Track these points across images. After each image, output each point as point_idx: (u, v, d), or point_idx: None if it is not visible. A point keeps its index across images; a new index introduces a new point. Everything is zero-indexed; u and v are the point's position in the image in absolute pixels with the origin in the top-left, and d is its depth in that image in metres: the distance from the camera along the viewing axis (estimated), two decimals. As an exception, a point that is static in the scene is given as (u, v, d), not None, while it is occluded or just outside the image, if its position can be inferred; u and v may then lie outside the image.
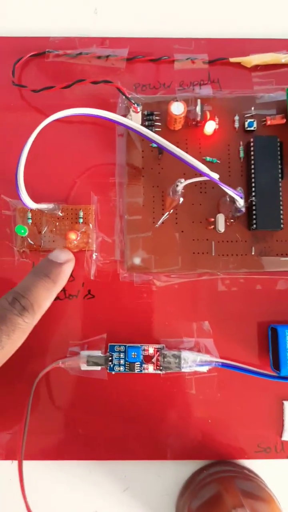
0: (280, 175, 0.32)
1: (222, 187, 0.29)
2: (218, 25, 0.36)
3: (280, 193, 0.32)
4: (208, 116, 0.33)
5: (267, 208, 0.32)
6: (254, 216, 0.32)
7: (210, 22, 0.36)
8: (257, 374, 0.31)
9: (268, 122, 0.33)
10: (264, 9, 0.37)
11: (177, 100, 0.32)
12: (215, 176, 0.29)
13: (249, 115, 0.34)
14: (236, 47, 0.35)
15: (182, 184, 0.30)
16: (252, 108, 0.34)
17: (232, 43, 0.35)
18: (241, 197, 0.30)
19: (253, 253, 0.33)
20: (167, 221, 0.33)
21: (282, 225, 0.32)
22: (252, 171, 0.32)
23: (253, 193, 0.32)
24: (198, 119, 0.33)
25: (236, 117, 0.33)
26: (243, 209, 0.31)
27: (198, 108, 0.33)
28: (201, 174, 0.29)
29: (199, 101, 0.33)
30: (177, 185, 0.30)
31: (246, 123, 0.33)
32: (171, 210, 0.33)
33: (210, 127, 0.33)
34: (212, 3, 0.37)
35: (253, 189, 0.32)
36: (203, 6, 0.37)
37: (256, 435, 0.32)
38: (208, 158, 0.33)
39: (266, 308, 0.33)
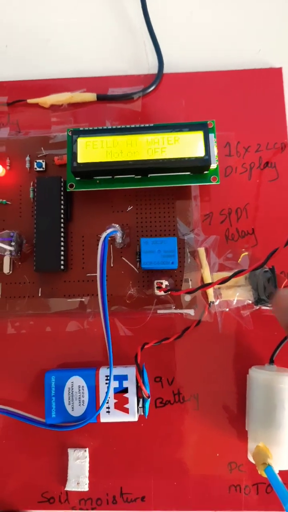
0: (62, 216, 0.32)
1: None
2: (20, 68, 0.36)
3: (62, 234, 0.32)
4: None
5: (46, 249, 0.31)
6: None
7: (10, 64, 0.37)
8: (30, 421, 0.29)
9: (56, 162, 0.33)
10: (60, 51, 0.37)
11: None
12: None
13: (41, 155, 0.34)
14: (36, 88, 0.35)
15: None
16: (42, 149, 0.34)
17: (32, 84, 0.36)
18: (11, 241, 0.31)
19: (39, 295, 0.32)
20: None
21: (63, 267, 0.31)
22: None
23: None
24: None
25: (27, 158, 0.34)
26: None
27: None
28: None
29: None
30: None
31: (35, 164, 0.33)
32: None
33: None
34: (10, 45, 0.37)
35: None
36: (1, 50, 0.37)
37: (40, 484, 0.31)
38: (-3, 199, 0.34)
39: (55, 351, 0.32)
